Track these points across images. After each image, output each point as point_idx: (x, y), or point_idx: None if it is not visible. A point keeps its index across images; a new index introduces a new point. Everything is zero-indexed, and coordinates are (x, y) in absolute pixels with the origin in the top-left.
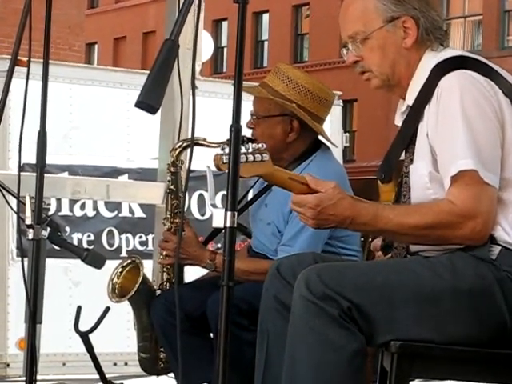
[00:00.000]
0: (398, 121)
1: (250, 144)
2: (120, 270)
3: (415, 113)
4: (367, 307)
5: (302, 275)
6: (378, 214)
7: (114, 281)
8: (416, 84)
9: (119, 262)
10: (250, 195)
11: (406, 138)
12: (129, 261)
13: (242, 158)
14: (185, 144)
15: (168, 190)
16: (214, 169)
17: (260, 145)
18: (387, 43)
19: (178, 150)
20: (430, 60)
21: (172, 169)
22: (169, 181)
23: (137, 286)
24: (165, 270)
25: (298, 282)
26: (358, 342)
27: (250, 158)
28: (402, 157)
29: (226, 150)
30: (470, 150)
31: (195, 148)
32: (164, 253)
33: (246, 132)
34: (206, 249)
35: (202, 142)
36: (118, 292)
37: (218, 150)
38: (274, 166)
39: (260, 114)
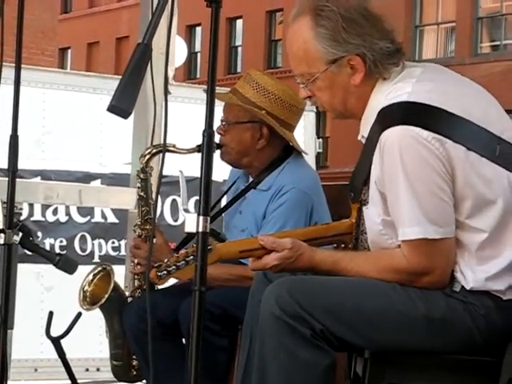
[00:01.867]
0: (361, 138)
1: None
2: (91, 277)
3: (368, 149)
4: (340, 331)
5: (271, 291)
6: (335, 265)
7: (85, 288)
8: (367, 119)
9: (91, 268)
10: (224, 201)
11: (365, 168)
12: (100, 268)
13: (173, 270)
14: (154, 150)
15: (138, 196)
16: (186, 174)
17: (182, 251)
18: (334, 83)
19: (148, 157)
20: (380, 93)
21: (142, 175)
22: (138, 187)
23: (108, 293)
24: (136, 277)
25: (267, 298)
26: (330, 358)
27: (182, 264)
28: None
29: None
30: (415, 217)
31: (166, 154)
32: (136, 260)
33: (215, 138)
34: (177, 256)
35: (172, 149)
36: (89, 300)
37: (189, 156)
38: (219, 244)
39: (230, 120)
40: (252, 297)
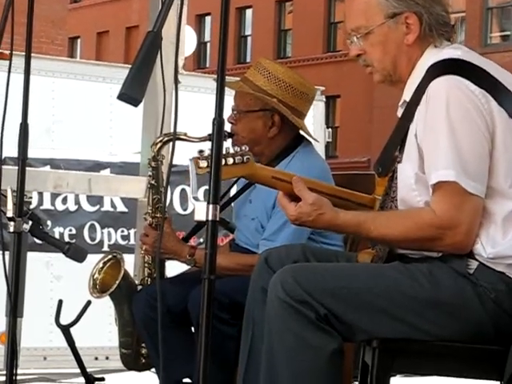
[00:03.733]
0: (399, 112)
1: (230, 147)
2: (101, 265)
3: (409, 111)
4: (344, 314)
5: (277, 277)
6: (359, 226)
7: (94, 276)
8: (414, 81)
9: (101, 256)
10: (234, 190)
11: (401, 133)
12: (110, 256)
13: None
14: (166, 139)
15: (149, 184)
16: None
17: (243, 147)
18: (389, 39)
19: (159, 145)
20: (429, 58)
21: (153, 163)
22: (150, 175)
23: (118, 281)
24: (146, 265)
25: (274, 283)
26: (336, 343)
27: (230, 160)
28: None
29: (205, 153)
30: (452, 160)
31: (177, 142)
32: (144, 247)
33: (227, 127)
34: (185, 244)
35: (183, 137)
36: (99, 287)
37: (199, 145)
38: (257, 164)
39: (241, 109)
40: (253, 282)
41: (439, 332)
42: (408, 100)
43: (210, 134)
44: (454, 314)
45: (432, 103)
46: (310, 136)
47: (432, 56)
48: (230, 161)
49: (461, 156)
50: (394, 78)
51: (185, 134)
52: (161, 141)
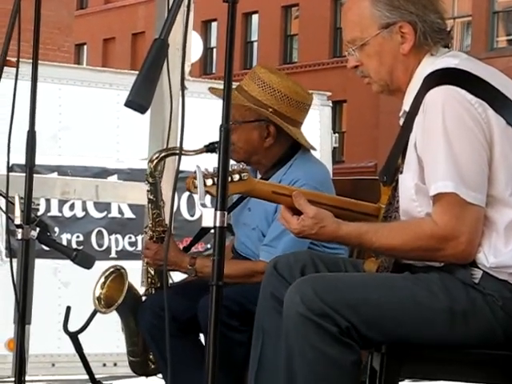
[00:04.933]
0: (401, 121)
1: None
2: (103, 280)
3: (408, 121)
4: (364, 326)
5: (295, 289)
6: (360, 238)
7: (98, 292)
8: (412, 90)
9: (108, 263)
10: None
11: (402, 143)
12: (111, 270)
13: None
14: (162, 154)
15: (148, 199)
16: (202, 169)
17: (241, 164)
18: (384, 49)
19: (156, 162)
20: (426, 67)
21: (150, 179)
22: (148, 190)
23: (123, 295)
24: (149, 275)
25: (292, 297)
26: (356, 354)
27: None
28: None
29: (209, 170)
30: (450, 171)
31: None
32: (146, 260)
33: None
34: (185, 254)
35: (177, 152)
36: (103, 302)
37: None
38: (255, 180)
39: (236, 120)
40: (263, 289)
41: (452, 339)
42: (407, 110)
43: (206, 146)
44: (468, 322)
45: (429, 114)
46: (306, 145)
47: (429, 65)
48: (228, 179)
49: (459, 166)
50: (391, 88)
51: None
52: (157, 157)
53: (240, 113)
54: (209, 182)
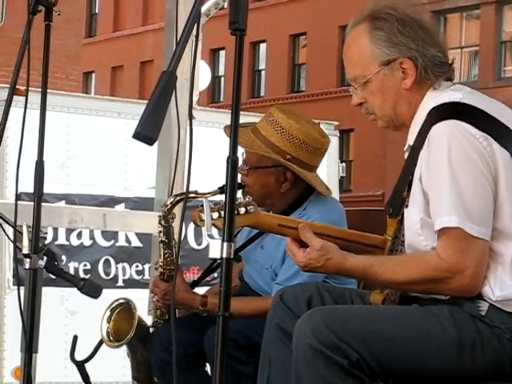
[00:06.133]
0: (405, 155)
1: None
2: (109, 313)
3: (413, 155)
4: (374, 359)
5: (305, 321)
6: (366, 271)
7: (105, 327)
8: (416, 125)
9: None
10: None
11: (407, 177)
12: (117, 303)
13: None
14: (176, 199)
15: (160, 240)
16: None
17: (247, 197)
18: (386, 86)
19: (169, 206)
20: (430, 101)
21: (163, 222)
22: (160, 232)
23: (133, 329)
24: (157, 307)
25: (303, 328)
26: None
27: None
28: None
29: (205, 208)
30: (454, 206)
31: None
32: (154, 298)
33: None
34: (196, 294)
35: (194, 195)
36: (112, 337)
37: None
38: (262, 212)
39: (253, 164)
40: (269, 321)
41: (460, 371)
42: (412, 144)
43: (220, 188)
44: (476, 354)
45: (433, 148)
46: (323, 190)
47: (433, 99)
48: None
49: (463, 201)
50: (396, 123)
51: (195, 192)
52: (171, 202)
53: (257, 157)
54: (215, 215)
